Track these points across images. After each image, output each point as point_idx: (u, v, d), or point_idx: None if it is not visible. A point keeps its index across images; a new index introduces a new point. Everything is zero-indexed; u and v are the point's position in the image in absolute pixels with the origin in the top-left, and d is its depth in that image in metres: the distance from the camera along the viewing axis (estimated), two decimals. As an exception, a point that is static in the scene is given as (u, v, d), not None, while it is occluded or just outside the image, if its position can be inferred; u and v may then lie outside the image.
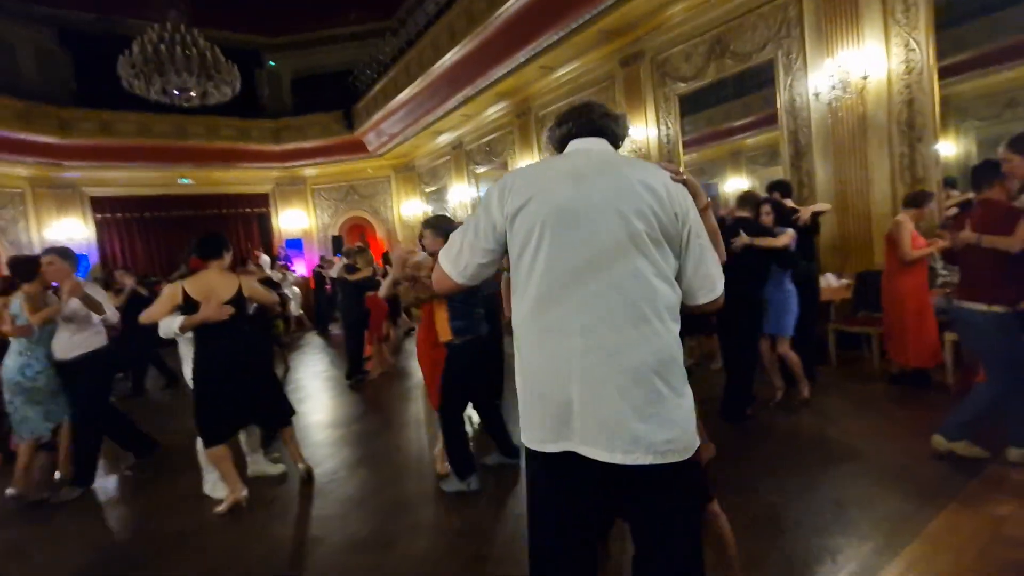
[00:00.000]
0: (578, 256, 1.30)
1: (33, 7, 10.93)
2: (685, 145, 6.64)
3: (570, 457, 1.29)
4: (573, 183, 1.35)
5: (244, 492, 3.14)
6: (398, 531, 2.79)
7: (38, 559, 2.93)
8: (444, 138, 11.13)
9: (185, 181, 12.45)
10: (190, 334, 3.14)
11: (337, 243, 12.83)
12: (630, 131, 6.62)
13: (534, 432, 1.34)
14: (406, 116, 10.46)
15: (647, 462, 1.25)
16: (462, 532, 2.73)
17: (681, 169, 1.45)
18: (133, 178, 11.87)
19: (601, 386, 1.26)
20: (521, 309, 1.37)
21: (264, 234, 13.60)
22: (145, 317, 3.04)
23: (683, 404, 1.31)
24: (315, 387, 6.32)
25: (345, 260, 7.70)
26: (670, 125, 6.65)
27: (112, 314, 3.72)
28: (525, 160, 8.91)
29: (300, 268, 12.81)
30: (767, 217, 3.89)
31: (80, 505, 3.53)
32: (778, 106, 5.49)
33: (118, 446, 4.07)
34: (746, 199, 3.98)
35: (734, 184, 6.55)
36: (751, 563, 2.10)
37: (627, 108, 6.96)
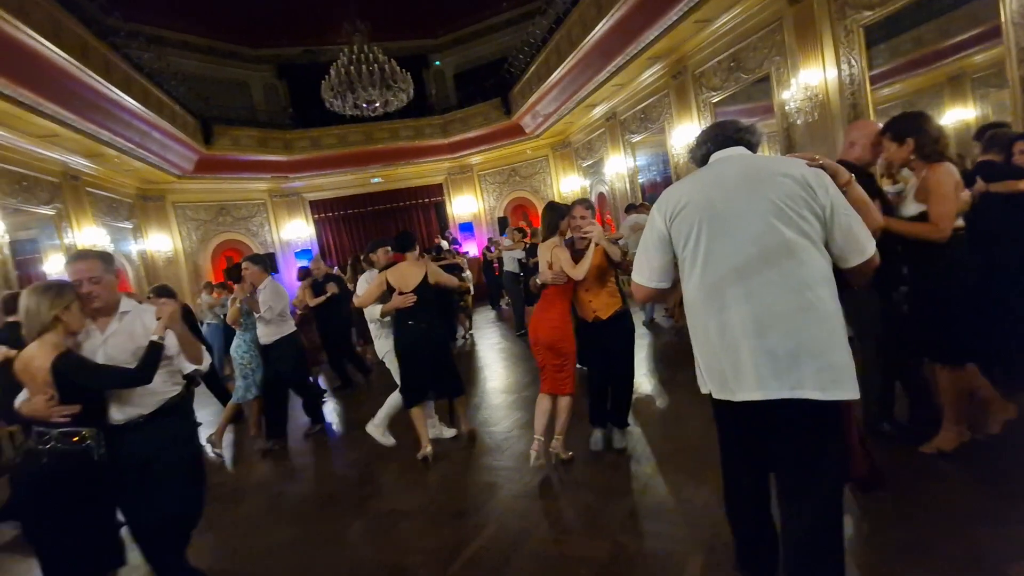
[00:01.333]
0: (736, 249, 1.57)
1: (259, 50, 13.57)
2: (875, 81, 5.74)
3: (746, 404, 1.58)
4: (720, 186, 1.63)
5: (430, 448, 3.73)
6: (565, 484, 3.14)
7: (293, 489, 3.93)
8: (598, 111, 11.12)
9: (376, 180, 14.40)
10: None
11: (503, 224, 13.73)
12: (802, 76, 6.12)
13: (717, 385, 1.64)
14: (560, 94, 10.68)
15: (813, 396, 1.49)
16: (612, 487, 2.98)
17: (816, 156, 1.67)
18: (337, 182, 14.10)
19: (770, 345, 1.52)
20: (690, 293, 1.69)
21: (441, 220, 15.12)
22: (358, 301, 3.81)
23: (840, 352, 1.52)
24: (491, 358, 7.04)
25: (509, 239, 8.37)
26: (853, 62, 5.81)
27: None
28: (683, 125, 8.52)
29: (472, 250, 14.01)
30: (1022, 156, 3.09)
31: (300, 450, 4.60)
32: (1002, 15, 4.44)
33: (306, 412, 5.09)
34: (993, 138, 3.20)
35: (956, 116, 5.32)
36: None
37: (797, 50, 6.26)
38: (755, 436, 1.66)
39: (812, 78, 6.18)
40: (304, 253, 13.10)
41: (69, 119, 6.95)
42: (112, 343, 2.17)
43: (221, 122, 11.60)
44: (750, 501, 1.74)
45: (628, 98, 10.08)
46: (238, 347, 4.68)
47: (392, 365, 4.05)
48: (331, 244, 14.43)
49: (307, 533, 3.10)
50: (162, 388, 2.19)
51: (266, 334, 4.65)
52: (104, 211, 9.35)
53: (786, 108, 6.64)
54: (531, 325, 3.36)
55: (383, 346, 4.15)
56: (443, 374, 3.87)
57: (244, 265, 4.69)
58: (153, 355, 2.10)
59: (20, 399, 2.09)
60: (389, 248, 4.23)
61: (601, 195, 12.24)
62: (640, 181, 10.54)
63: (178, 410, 2.27)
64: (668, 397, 4.37)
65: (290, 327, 4.78)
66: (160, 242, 11.18)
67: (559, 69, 9.65)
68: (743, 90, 7.47)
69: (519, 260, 7.75)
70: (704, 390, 1.71)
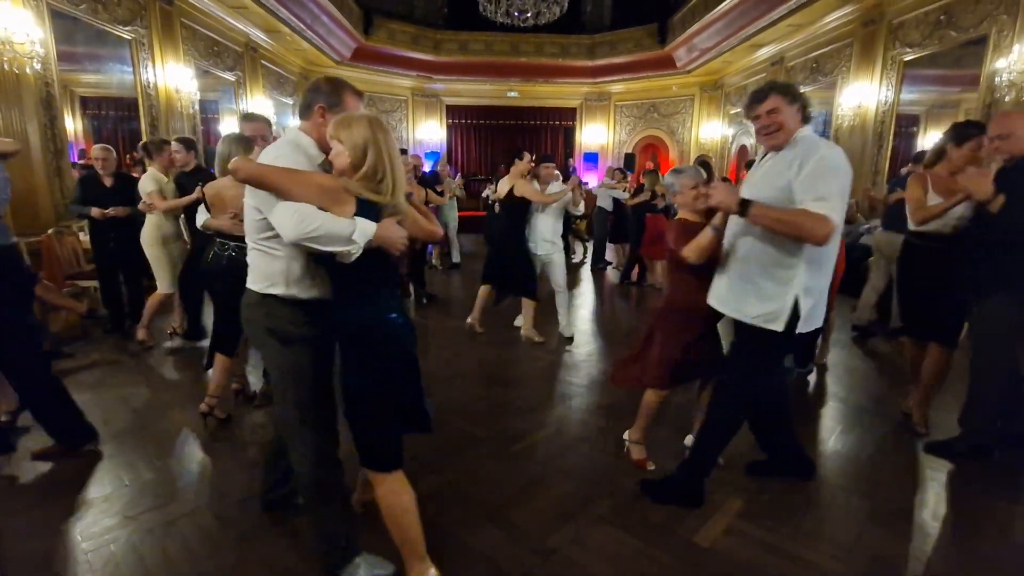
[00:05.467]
0: None
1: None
2: None
3: None
4: None
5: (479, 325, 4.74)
6: (633, 406, 3.31)
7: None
8: (763, 52, 10.02)
9: (512, 94, 14.37)
10: None
11: (628, 160, 13.26)
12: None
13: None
14: (725, 28, 9.72)
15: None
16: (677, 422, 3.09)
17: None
18: (475, 90, 14.27)
19: None
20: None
21: (568, 146, 14.92)
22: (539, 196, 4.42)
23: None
24: (587, 288, 7.17)
25: (609, 178, 8.34)
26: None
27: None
28: (859, 82, 7.49)
29: (592, 181, 13.80)
30: None
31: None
32: None
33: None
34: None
35: None
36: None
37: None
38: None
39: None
40: (433, 155, 13.71)
41: (257, -7, 7.66)
42: None
43: (381, 14, 12.04)
44: None
45: (802, 42, 8.95)
46: None
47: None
48: (459, 150, 14.90)
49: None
50: None
51: None
52: (273, 84, 10.38)
53: (996, 80, 5.59)
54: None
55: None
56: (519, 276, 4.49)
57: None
58: None
59: (203, 218, 2.93)
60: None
61: (743, 147, 11.32)
62: (791, 139, 9.55)
63: None
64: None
65: None
66: (313, 122, 12.25)
67: (731, -1, 8.74)
68: (947, 52, 6.35)
69: (615, 200, 7.91)
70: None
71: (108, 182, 4.38)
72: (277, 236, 1.59)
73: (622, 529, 2.16)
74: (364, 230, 1.49)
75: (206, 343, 4.41)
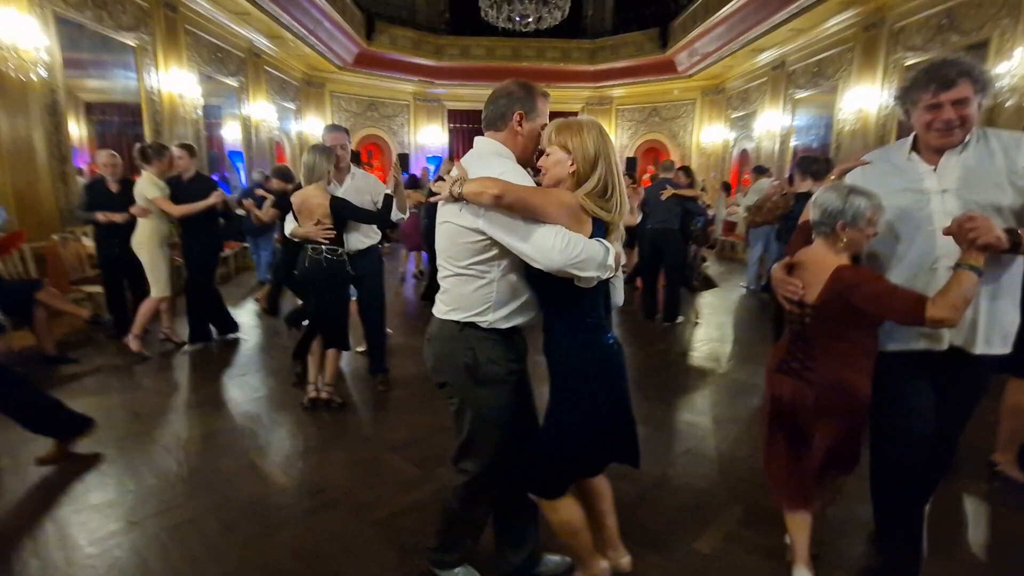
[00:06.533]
0: None
1: (428, -50, 13.66)
2: None
3: None
4: None
5: None
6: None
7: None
8: (764, 56, 10.05)
9: (514, 98, 14.40)
10: None
11: (630, 164, 13.27)
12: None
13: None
14: (726, 32, 9.76)
15: None
16: (679, 429, 3.10)
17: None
18: (477, 94, 14.24)
19: None
20: None
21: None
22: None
23: None
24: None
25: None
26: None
27: None
28: (861, 86, 7.50)
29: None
30: None
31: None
32: None
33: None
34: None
35: None
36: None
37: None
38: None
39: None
40: (435, 159, 13.75)
41: (260, -1, 7.72)
42: (349, 195, 3.15)
43: (384, 19, 12.11)
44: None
45: (803, 47, 8.98)
46: None
47: None
48: (461, 154, 14.90)
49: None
50: (373, 233, 3.38)
51: None
52: (275, 89, 10.44)
53: (998, 84, 5.59)
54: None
55: None
56: None
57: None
58: (388, 202, 3.11)
59: (291, 226, 3.17)
60: None
61: (744, 152, 11.33)
62: (793, 144, 9.58)
63: (376, 249, 3.47)
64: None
65: None
66: (315, 125, 12.31)
67: (732, 3, 8.78)
68: (949, 55, 6.36)
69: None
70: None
71: (115, 188, 4.41)
72: (492, 259, 1.47)
73: (623, 535, 2.16)
74: (613, 252, 1.40)
75: (208, 344, 4.47)
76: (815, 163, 3.65)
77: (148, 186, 4.12)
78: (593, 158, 1.42)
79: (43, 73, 4.99)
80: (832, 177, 1.91)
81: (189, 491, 2.46)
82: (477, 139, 1.60)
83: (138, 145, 4.49)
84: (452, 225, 1.48)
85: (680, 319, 5.42)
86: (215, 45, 8.20)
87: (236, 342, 4.62)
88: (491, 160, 1.50)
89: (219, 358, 4.24)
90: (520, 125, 1.53)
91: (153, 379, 3.83)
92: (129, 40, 6.38)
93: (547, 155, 1.49)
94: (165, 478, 2.55)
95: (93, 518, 2.24)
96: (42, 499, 2.40)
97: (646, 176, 11.18)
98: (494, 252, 1.45)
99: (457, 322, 1.54)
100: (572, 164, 1.43)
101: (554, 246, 1.32)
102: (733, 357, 4.53)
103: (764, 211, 3.70)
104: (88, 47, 5.90)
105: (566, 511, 1.66)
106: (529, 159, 1.58)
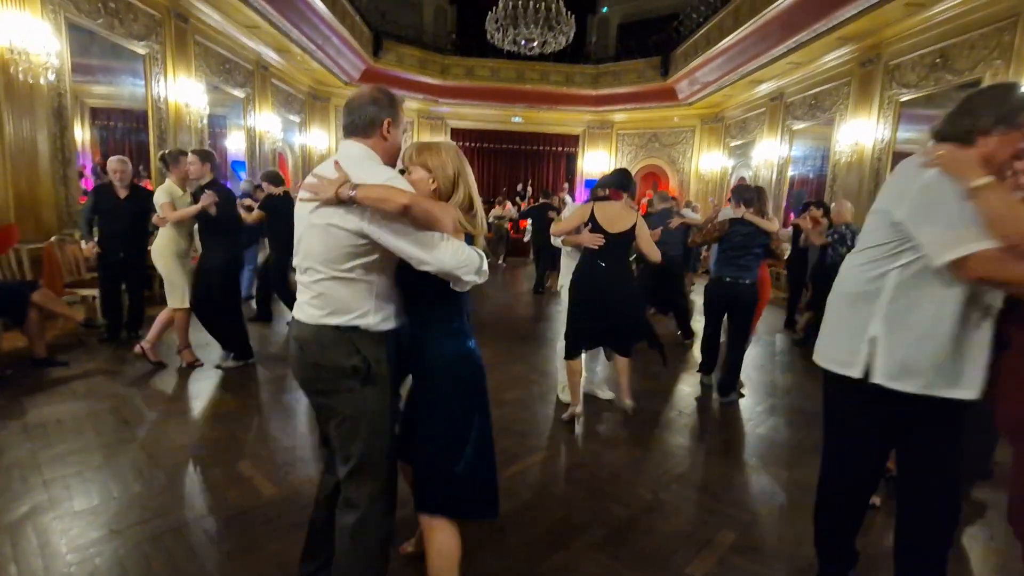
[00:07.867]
0: None
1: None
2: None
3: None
4: None
5: (580, 408, 3.42)
6: (631, 438, 3.30)
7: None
8: (763, 88, 10.25)
9: (517, 119, 14.61)
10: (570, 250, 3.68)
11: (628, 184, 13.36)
12: None
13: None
14: (726, 63, 9.96)
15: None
16: (674, 454, 3.07)
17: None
18: (480, 114, 14.51)
19: None
20: None
21: (569, 172, 15.10)
22: (556, 229, 3.47)
23: None
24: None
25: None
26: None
27: None
28: (857, 120, 7.64)
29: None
30: None
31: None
32: None
33: None
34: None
35: None
36: None
37: (1027, 57, 5.29)
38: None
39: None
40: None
41: (271, 14, 7.83)
42: None
43: (391, 37, 12.31)
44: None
45: (801, 79, 9.17)
46: None
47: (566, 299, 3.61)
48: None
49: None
50: None
51: None
52: (281, 102, 10.55)
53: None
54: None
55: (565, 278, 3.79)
56: (617, 329, 3.41)
57: None
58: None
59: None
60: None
61: (742, 179, 11.48)
62: (790, 173, 9.72)
63: None
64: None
65: None
66: (319, 139, 12.42)
67: (732, 35, 8.97)
68: (942, 93, 6.50)
69: None
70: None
71: (122, 193, 4.41)
72: (372, 262, 1.49)
73: (614, 559, 2.14)
74: (486, 260, 1.56)
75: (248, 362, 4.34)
76: (747, 191, 4.06)
77: (160, 193, 4.03)
78: (453, 176, 1.56)
79: (51, 78, 5.04)
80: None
81: (175, 500, 2.42)
82: (344, 142, 1.62)
83: (160, 154, 4.50)
84: (336, 228, 1.45)
85: (736, 395, 4.07)
86: (223, 56, 8.31)
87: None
88: (368, 165, 1.52)
89: (211, 369, 4.20)
90: (388, 132, 1.59)
91: (143, 385, 3.79)
92: (139, 48, 6.46)
93: (408, 173, 1.58)
94: (151, 486, 2.51)
95: (75, 525, 2.20)
96: (24, 504, 2.36)
97: (644, 201, 11.28)
98: (375, 256, 1.49)
99: (337, 327, 1.51)
100: (433, 182, 1.56)
101: (446, 249, 1.43)
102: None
103: (703, 233, 4.11)
104: (98, 54, 5.97)
105: (448, 530, 1.62)
106: (392, 166, 1.63)
